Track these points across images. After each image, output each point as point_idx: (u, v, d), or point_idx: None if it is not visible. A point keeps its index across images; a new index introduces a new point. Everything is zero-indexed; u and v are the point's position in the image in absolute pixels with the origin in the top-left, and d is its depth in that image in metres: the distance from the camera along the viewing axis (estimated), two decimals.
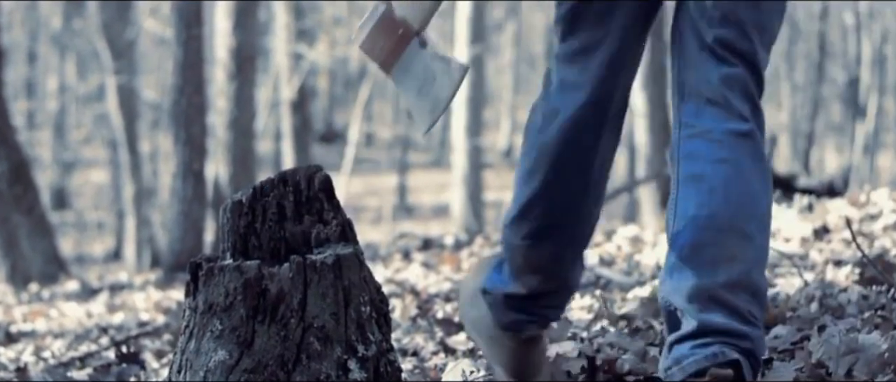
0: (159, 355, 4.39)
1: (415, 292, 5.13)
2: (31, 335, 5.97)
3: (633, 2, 2.52)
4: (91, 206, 30.32)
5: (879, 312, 3.00)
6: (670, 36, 2.54)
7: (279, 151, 23.51)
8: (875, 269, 3.42)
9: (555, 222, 2.58)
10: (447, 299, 4.83)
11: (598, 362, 2.85)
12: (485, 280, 2.72)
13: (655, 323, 3.32)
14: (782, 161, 25.39)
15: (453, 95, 2.42)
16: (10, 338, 5.85)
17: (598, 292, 4.41)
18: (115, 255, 25.92)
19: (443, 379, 3.04)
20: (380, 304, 2.22)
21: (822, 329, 2.81)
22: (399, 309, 4.62)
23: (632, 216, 21.60)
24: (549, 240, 2.59)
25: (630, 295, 4.15)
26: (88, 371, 4.16)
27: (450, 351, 3.53)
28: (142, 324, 5.66)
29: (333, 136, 33.14)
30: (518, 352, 2.70)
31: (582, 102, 2.54)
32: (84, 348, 4.92)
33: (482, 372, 3.01)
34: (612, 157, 2.60)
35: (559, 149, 2.55)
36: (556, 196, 2.56)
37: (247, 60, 11.09)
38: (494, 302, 2.68)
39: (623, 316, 3.61)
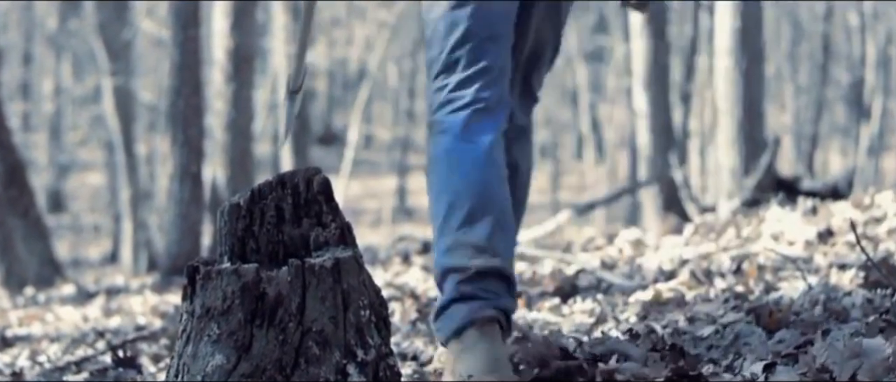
0: (156, 359, 4.39)
1: (414, 296, 5.13)
2: (26, 339, 5.97)
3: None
4: (87, 209, 30.33)
5: (884, 316, 3.00)
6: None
7: (277, 154, 23.51)
8: (880, 273, 3.42)
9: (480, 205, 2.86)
10: None
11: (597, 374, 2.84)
12: (436, 307, 2.87)
13: (658, 327, 3.32)
14: (786, 163, 25.39)
15: (288, 120, 3.33)
16: (6, 343, 5.85)
17: (599, 296, 4.41)
18: (112, 258, 25.90)
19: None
20: (379, 308, 2.22)
21: (826, 333, 2.81)
22: (398, 313, 4.62)
23: (634, 219, 21.58)
24: (480, 223, 2.85)
25: (632, 299, 4.15)
26: (85, 375, 4.16)
27: None
28: (139, 328, 5.66)
29: (332, 138, 33.15)
30: (483, 347, 2.74)
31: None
32: (80, 352, 4.92)
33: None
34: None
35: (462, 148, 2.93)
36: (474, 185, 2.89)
37: (245, 61, 11.09)
38: (451, 312, 2.80)
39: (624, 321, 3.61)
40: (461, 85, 2.97)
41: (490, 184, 2.88)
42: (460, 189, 2.86)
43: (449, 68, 2.99)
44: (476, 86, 2.96)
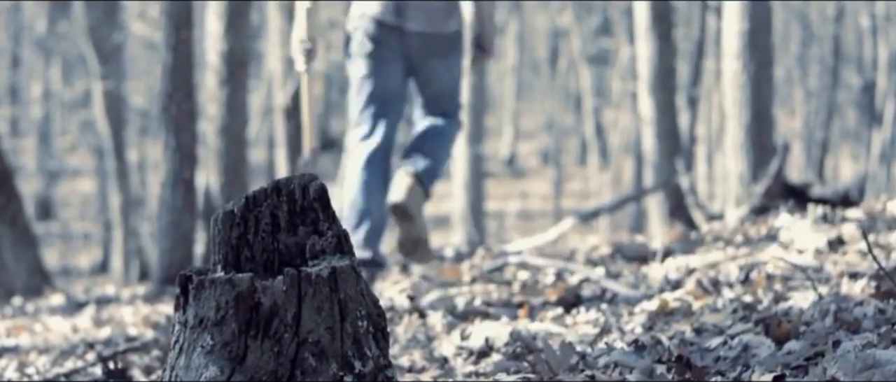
0: (148, 371, 4.39)
1: (414, 307, 5.12)
2: (14, 350, 5.97)
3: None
4: (77, 217, 30.34)
5: None
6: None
7: (272, 160, 23.52)
8: (892, 282, 3.42)
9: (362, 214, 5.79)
10: (448, 313, 4.82)
11: None
12: None
13: (663, 338, 3.32)
14: (796, 169, 25.40)
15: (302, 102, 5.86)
16: None
17: (603, 306, 4.41)
18: (102, 268, 25.92)
19: None
20: (377, 318, 2.22)
21: (836, 344, 2.81)
22: (396, 324, 4.62)
23: (639, 226, 21.58)
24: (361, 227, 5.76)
25: (637, 309, 4.15)
26: None
27: (449, 368, 3.53)
28: (130, 339, 5.65)
29: (329, 144, 33.15)
30: None
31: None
32: (70, 364, 4.92)
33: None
34: None
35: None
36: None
37: (239, 65, 11.09)
38: None
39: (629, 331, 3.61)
40: (364, 129, 5.72)
41: (370, 196, 5.67)
42: (355, 201, 5.68)
43: (357, 110, 5.73)
44: (371, 131, 5.72)
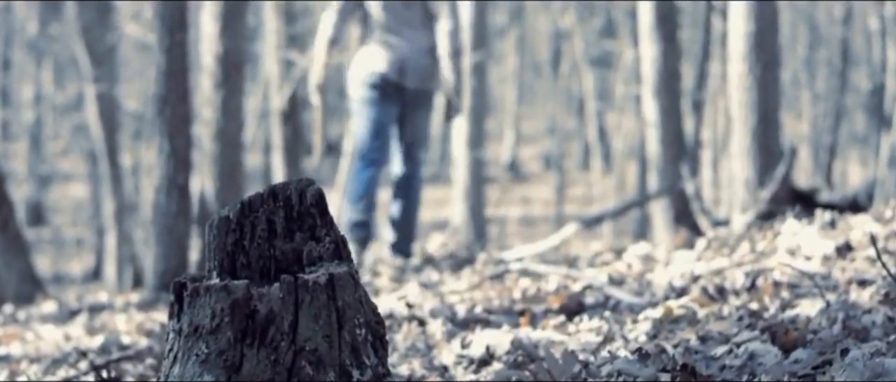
0: (142, 380, 4.39)
1: (413, 315, 5.12)
2: (5, 359, 5.97)
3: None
4: (69, 222, 30.33)
5: None
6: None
7: (269, 164, 23.53)
8: None
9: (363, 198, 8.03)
10: (448, 321, 4.82)
11: None
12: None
13: (668, 346, 3.32)
14: (803, 174, 25.39)
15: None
16: None
17: (606, 313, 4.41)
18: (95, 274, 25.91)
19: None
20: (376, 326, 2.22)
21: (844, 352, 2.81)
22: (395, 332, 4.62)
23: (643, 233, 21.58)
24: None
25: (641, 316, 4.15)
26: None
27: (450, 377, 3.53)
28: (123, 348, 5.65)
29: (327, 148, 33.17)
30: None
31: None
32: (62, 373, 4.92)
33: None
34: None
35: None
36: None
37: (235, 67, 11.09)
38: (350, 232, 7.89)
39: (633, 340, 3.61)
40: (368, 148, 7.87)
41: (369, 191, 7.80)
42: (358, 190, 7.85)
43: (365, 138, 7.89)
44: (374, 151, 7.82)
